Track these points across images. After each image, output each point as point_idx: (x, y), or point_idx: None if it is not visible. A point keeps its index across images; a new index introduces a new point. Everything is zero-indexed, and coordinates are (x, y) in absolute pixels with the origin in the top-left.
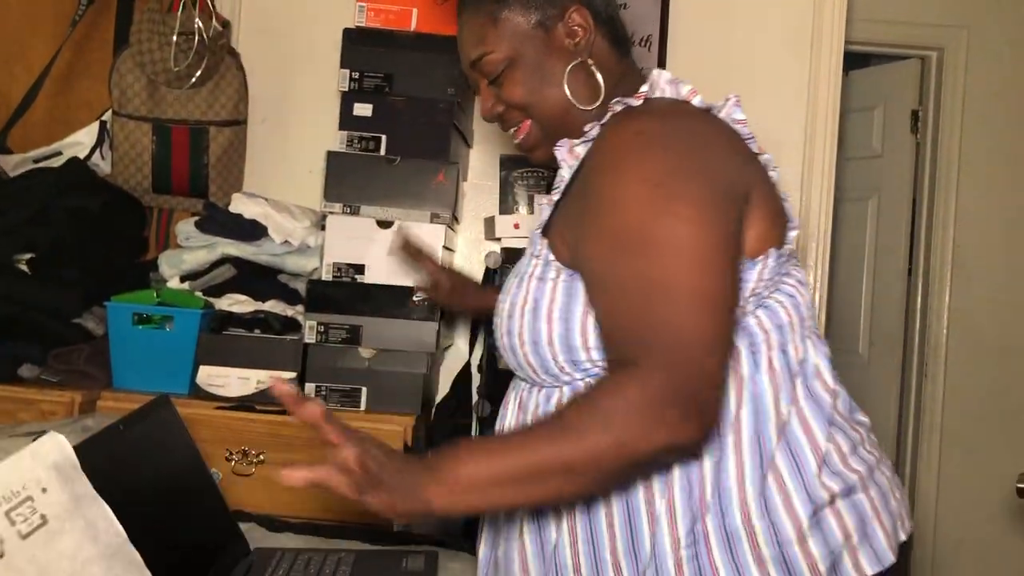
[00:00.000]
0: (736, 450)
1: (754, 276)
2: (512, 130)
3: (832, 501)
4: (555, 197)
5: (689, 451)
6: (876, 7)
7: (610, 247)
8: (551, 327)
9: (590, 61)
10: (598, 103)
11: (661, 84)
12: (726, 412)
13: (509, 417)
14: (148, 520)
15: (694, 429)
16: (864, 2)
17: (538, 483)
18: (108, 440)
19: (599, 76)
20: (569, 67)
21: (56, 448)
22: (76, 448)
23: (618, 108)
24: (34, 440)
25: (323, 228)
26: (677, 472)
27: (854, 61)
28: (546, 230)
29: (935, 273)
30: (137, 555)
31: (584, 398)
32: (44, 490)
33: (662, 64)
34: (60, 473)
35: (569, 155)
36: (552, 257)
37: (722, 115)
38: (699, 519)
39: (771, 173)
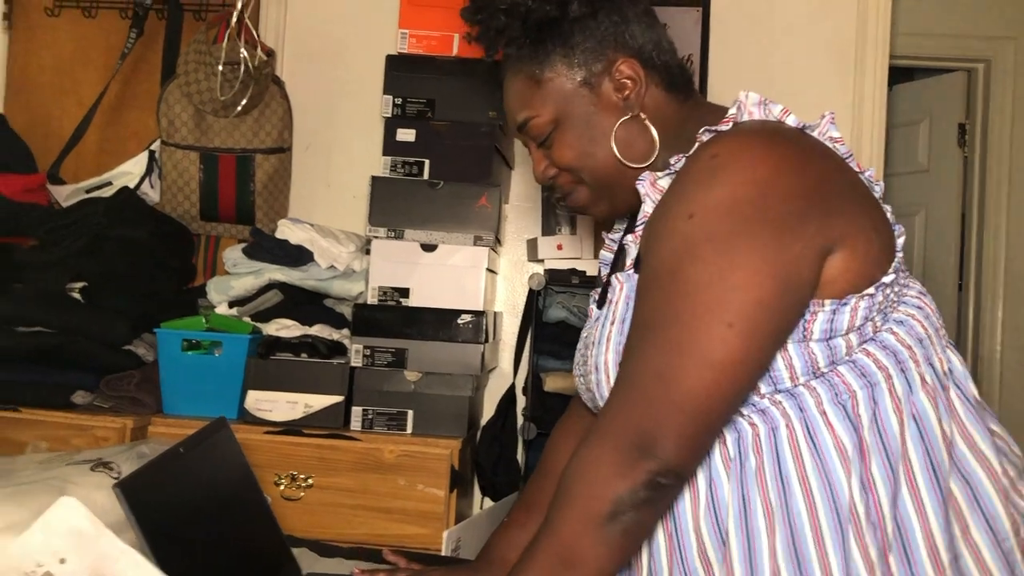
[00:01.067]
0: (909, 481)
1: (864, 305)
2: (565, 195)
3: (1017, 531)
4: (639, 233)
5: (654, 493)
6: (920, 21)
7: (643, 280)
8: None
9: (642, 115)
10: (652, 158)
11: (748, 107)
12: (890, 441)
13: None
14: (205, 544)
15: (645, 476)
16: (907, 16)
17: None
18: (169, 464)
19: (653, 130)
20: (617, 124)
21: (71, 513)
22: (135, 474)
23: (705, 137)
24: (52, 504)
25: (368, 252)
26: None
27: (898, 75)
28: (638, 267)
29: (987, 288)
30: None
31: (560, 485)
32: (63, 561)
33: (703, 84)
34: (79, 538)
35: (652, 188)
36: None
37: (816, 134)
38: (885, 563)
39: (875, 189)
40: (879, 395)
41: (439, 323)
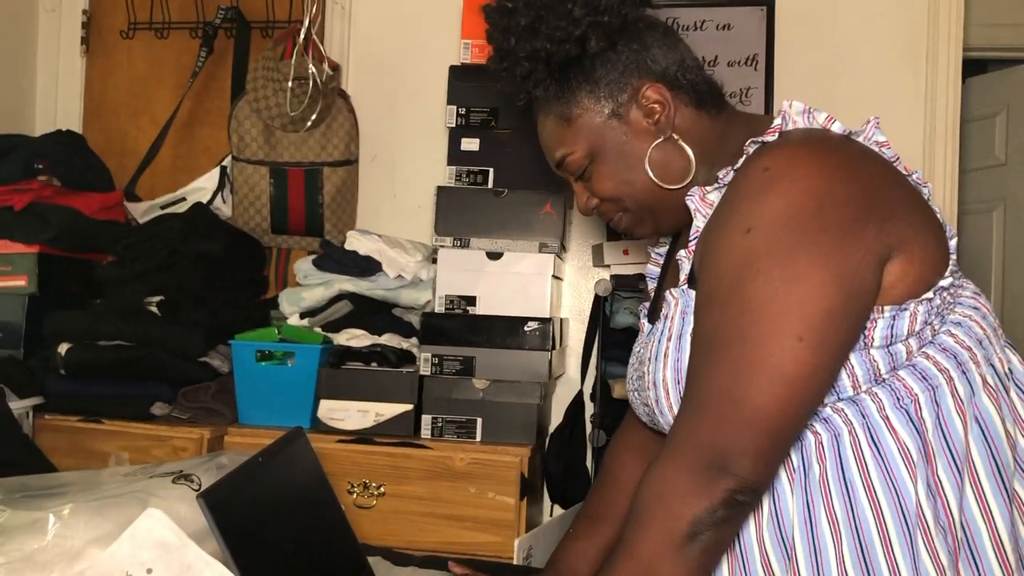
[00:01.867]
0: (974, 484)
1: (923, 309)
2: (612, 220)
3: None
4: (692, 248)
5: (732, 510)
6: (993, 11)
7: (703, 297)
8: None
9: (675, 136)
10: (690, 177)
11: (793, 116)
12: (955, 444)
13: None
14: (285, 552)
15: (722, 494)
16: (980, 6)
17: None
18: (248, 474)
19: (688, 149)
20: (650, 149)
21: (156, 524)
22: (217, 484)
23: (751, 149)
24: (138, 514)
25: (434, 262)
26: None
27: (971, 68)
28: (692, 282)
29: None
30: None
31: (635, 505)
32: (149, 571)
33: (769, 83)
34: (164, 549)
35: (702, 203)
36: None
37: (862, 139)
38: (956, 569)
39: (924, 190)
40: (941, 398)
41: (506, 331)
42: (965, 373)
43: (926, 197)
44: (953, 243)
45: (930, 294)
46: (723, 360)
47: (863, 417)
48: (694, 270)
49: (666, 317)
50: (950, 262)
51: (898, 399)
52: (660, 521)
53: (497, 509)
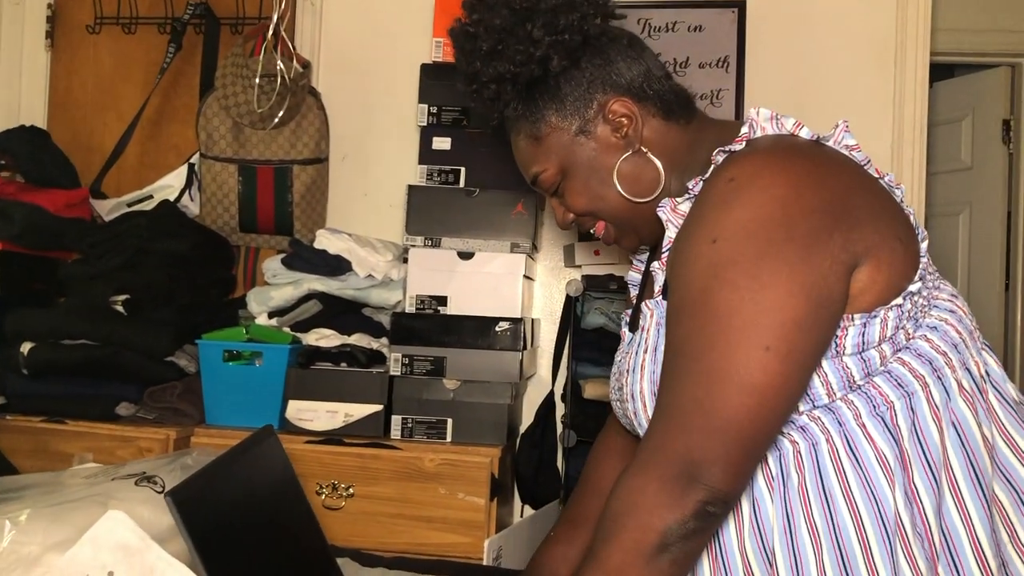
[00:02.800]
0: (953, 489)
1: (893, 315)
2: (592, 231)
3: None
4: (665, 260)
5: (703, 522)
6: (960, 16)
7: (672, 307)
8: None
9: (643, 149)
10: (660, 189)
11: (760, 123)
12: (931, 450)
13: None
14: (253, 552)
15: (693, 506)
16: (948, 12)
17: None
18: (217, 473)
19: (657, 161)
20: (618, 163)
21: (118, 526)
22: (185, 483)
23: (720, 158)
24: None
25: (405, 261)
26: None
27: (939, 72)
28: (666, 293)
29: None
30: None
31: (605, 514)
32: (111, 574)
33: (740, 85)
34: (126, 551)
35: (673, 214)
36: None
37: (832, 143)
38: (932, 568)
39: (896, 192)
40: (917, 404)
41: (477, 331)
42: (941, 379)
43: (899, 199)
44: (924, 245)
45: (900, 300)
46: (692, 371)
47: (840, 425)
48: (667, 281)
49: (643, 329)
50: (920, 266)
51: (874, 406)
52: (630, 532)
53: (467, 510)
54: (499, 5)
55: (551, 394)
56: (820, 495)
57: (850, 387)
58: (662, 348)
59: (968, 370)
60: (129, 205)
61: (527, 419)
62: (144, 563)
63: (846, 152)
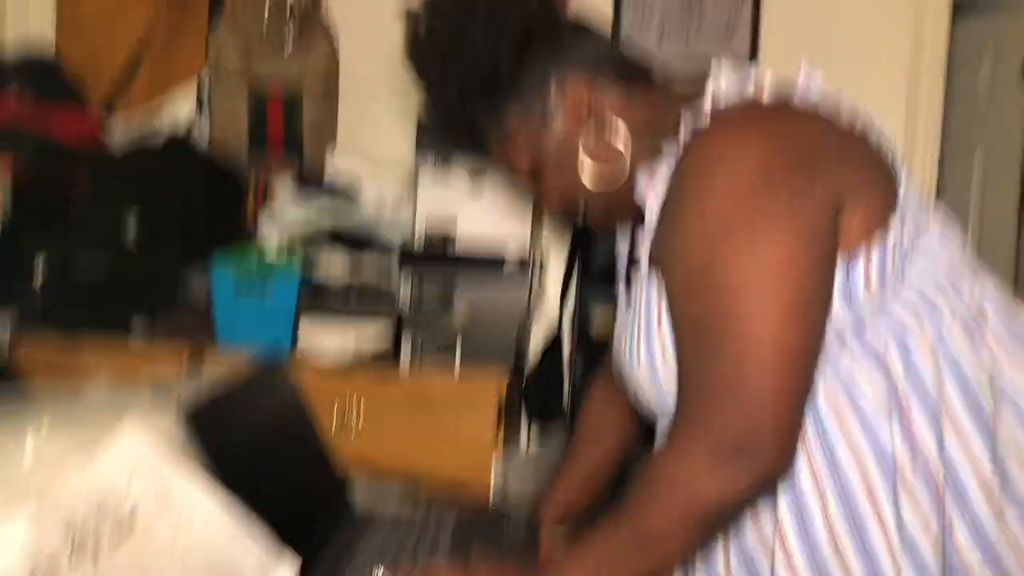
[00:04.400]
0: (952, 424)
1: (876, 257)
2: (581, 216)
3: None
4: (648, 232)
5: (756, 494)
6: None
7: (677, 287)
8: None
9: (608, 122)
10: (629, 160)
11: (721, 94)
12: (928, 387)
13: None
14: (265, 472)
15: (750, 480)
16: None
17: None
18: (231, 394)
19: (623, 132)
20: (582, 143)
21: (135, 441)
22: (199, 402)
23: (688, 116)
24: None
25: (415, 187)
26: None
27: (959, 11)
28: (651, 265)
29: None
30: (240, 523)
31: (645, 480)
32: (130, 485)
33: (756, 17)
34: (144, 463)
35: (650, 181)
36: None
37: (800, 90)
38: (943, 513)
39: (873, 127)
40: (912, 343)
41: (487, 258)
42: (933, 313)
43: (876, 137)
44: (903, 181)
45: (879, 240)
46: (717, 349)
47: (836, 370)
48: (652, 255)
49: (634, 304)
50: (898, 204)
51: (867, 348)
52: (678, 503)
53: (475, 434)
54: (435, 30)
55: (560, 323)
56: (820, 442)
57: (843, 331)
58: (654, 324)
59: (962, 300)
60: (140, 132)
61: (536, 348)
62: (161, 475)
63: (816, 98)
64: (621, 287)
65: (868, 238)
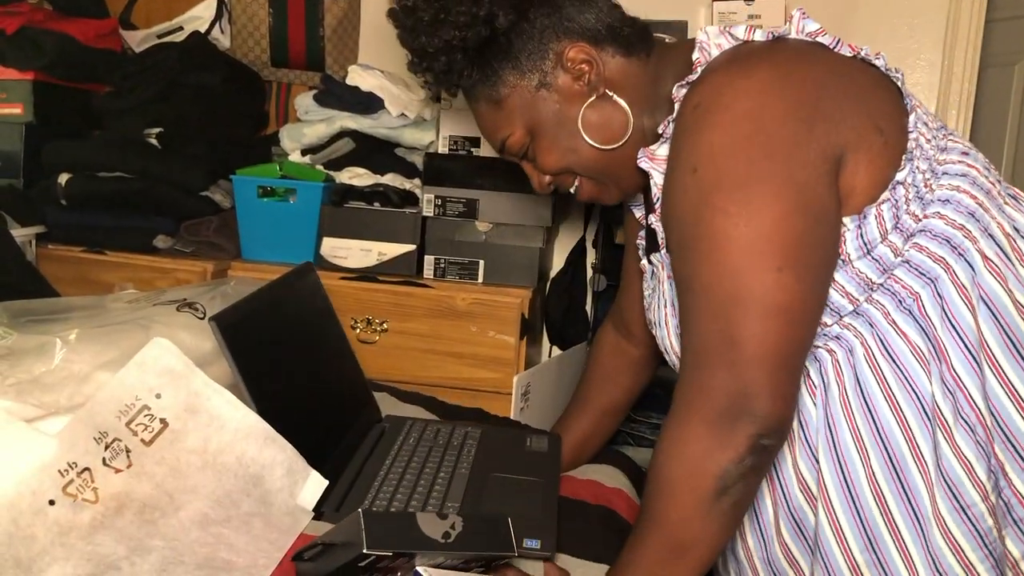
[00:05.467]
0: (993, 367)
1: (888, 207)
2: (573, 191)
3: None
4: (659, 208)
5: (761, 453)
6: None
7: (674, 243)
8: None
9: (608, 92)
10: (630, 131)
11: (712, 44)
12: (966, 333)
13: None
14: (293, 379)
15: (749, 441)
16: None
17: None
18: (259, 302)
19: (622, 101)
20: (583, 110)
21: (163, 353)
22: (230, 309)
23: (681, 93)
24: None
25: (439, 100)
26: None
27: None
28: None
29: None
30: (270, 430)
31: (654, 470)
32: (158, 396)
33: None
34: (172, 376)
35: (653, 162)
36: None
37: (793, 35)
38: (991, 455)
39: (876, 63)
40: (943, 288)
41: (510, 173)
42: (963, 255)
43: (880, 69)
44: (912, 119)
45: (886, 194)
46: (709, 306)
47: (871, 326)
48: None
49: (659, 281)
50: (908, 147)
51: (900, 300)
52: (685, 482)
53: (497, 347)
54: None
55: (582, 239)
56: (860, 400)
57: (871, 288)
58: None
59: (991, 236)
60: (159, 36)
61: (558, 263)
62: (189, 387)
63: (809, 40)
64: (640, 242)
65: (875, 195)
